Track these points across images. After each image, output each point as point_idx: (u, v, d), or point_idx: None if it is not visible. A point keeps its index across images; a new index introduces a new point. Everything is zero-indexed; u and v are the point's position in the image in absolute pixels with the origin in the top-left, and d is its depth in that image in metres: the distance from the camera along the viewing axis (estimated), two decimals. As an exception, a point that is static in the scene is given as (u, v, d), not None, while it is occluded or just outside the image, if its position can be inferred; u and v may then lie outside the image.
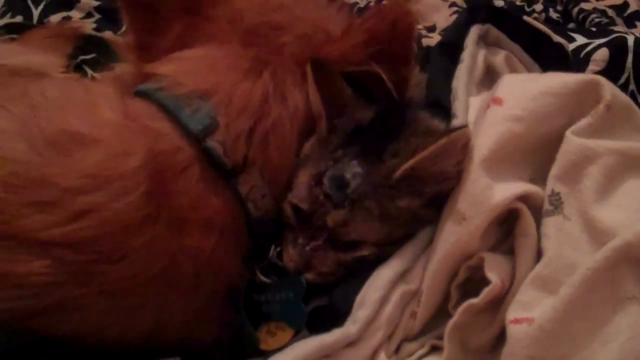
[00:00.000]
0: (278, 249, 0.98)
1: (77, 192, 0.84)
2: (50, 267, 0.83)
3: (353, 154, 0.91)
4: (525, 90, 0.94)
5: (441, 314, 0.92)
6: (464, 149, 0.88)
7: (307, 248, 0.92)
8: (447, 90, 1.06)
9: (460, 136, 0.88)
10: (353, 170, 0.89)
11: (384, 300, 0.90)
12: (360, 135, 0.93)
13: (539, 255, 0.87)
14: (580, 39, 1.26)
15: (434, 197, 0.90)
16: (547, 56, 1.15)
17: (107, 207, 0.85)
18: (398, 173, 0.87)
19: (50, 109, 0.90)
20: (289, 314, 0.97)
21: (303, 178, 0.92)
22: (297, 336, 0.93)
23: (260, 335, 0.97)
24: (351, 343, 0.87)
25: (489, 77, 1.12)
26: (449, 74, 1.08)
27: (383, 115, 0.96)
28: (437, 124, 0.97)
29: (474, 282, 0.89)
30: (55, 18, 1.57)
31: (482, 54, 1.13)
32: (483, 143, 0.90)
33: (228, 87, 0.95)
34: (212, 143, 0.92)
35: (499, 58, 1.15)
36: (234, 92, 0.95)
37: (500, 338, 0.85)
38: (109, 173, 0.86)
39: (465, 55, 1.09)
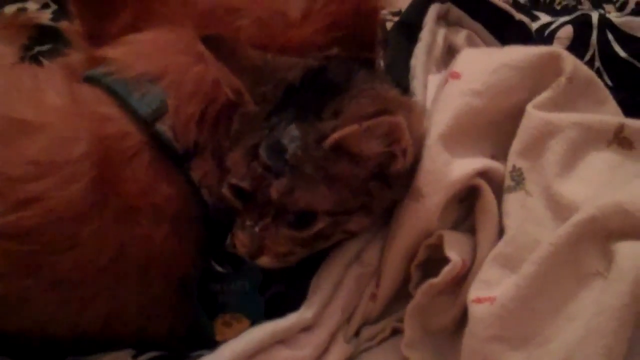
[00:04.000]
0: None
1: (21, 180, 0.82)
2: None
3: (289, 118, 0.84)
4: (484, 63, 0.92)
5: (402, 295, 0.89)
6: (390, 134, 0.81)
7: (256, 229, 0.84)
8: (406, 69, 1.04)
9: (378, 124, 0.79)
10: (290, 134, 0.82)
11: (338, 283, 0.88)
12: (293, 97, 0.86)
13: (500, 233, 0.85)
14: (544, 17, 1.24)
15: (379, 173, 0.85)
16: (509, 35, 1.14)
17: (52, 195, 0.82)
18: (326, 144, 0.81)
19: None
20: (245, 305, 0.94)
21: (238, 156, 0.85)
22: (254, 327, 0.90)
23: (216, 326, 0.94)
24: (307, 328, 0.85)
25: (451, 57, 1.08)
26: (408, 54, 1.06)
27: (314, 72, 0.89)
28: (386, 88, 0.90)
29: (435, 262, 0.86)
30: (10, 9, 1.53)
31: (442, 32, 1.12)
32: (441, 119, 0.87)
33: (179, 70, 0.92)
34: (162, 127, 0.89)
35: (460, 37, 1.14)
36: (185, 75, 0.92)
37: (462, 319, 0.83)
38: (54, 160, 0.83)
39: (424, 34, 1.08)
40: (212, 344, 0.88)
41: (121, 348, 0.90)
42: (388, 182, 0.85)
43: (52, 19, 1.50)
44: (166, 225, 0.88)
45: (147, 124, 0.89)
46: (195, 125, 0.90)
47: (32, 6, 1.55)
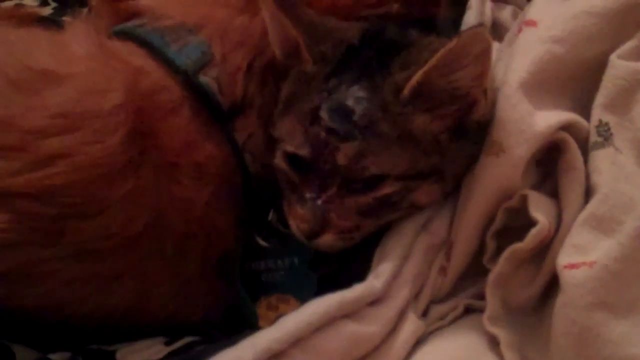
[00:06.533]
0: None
1: (45, 133, 0.73)
2: (12, 222, 0.71)
3: (351, 79, 0.77)
4: (562, 10, 0.84)
5: (473, 270, 0.81)
6: (480, 58, 0.74)
7: (319, 201, 0.76)
8: (457, 36, 0.97)
9: (473, 37, 0.73)
10: (355, 95, 0.76)
11: (407, 253, 0.79)
12: (355, 57, 0.80)
13: (586, 193, 0.77)
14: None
15: (456, 124, 0.78)
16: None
17: (80, 150, 0.74)
18: (407, 90, 0.75)
19: (13, 49, 0.80)
20: (294, 283, 0.86)
21: (292, 121, 0.78)
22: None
23: (260, 310, 0.85)
24: (375, 301, 0.76)
25: (496, 33, 1.03)
26: (458, 22, 0.98)
27: (374, 31, 0.83)
28: (448, 41, 0.81)
29: (511, 233, 0.77)
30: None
31: (489, 5, 1.04)
32: (520, 66, 0.79)
33: (222, 20, 0.85)
34: (206, 79, 0.81)
35: (506, 13, 1.07)
36: (229, 25, 0.85)
37: (545, 295, 0.75)
38: (83, 111, 0.75)
39: (473, 2, 1.01)
40: (253, 331, 0.77)
41: (151, 335, 0.81)
42: (462, 134, 0.78)
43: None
44: (209, 188, 0.80)
45: (187, 76, 0.81)
46: (243, 77, 0.82)
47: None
